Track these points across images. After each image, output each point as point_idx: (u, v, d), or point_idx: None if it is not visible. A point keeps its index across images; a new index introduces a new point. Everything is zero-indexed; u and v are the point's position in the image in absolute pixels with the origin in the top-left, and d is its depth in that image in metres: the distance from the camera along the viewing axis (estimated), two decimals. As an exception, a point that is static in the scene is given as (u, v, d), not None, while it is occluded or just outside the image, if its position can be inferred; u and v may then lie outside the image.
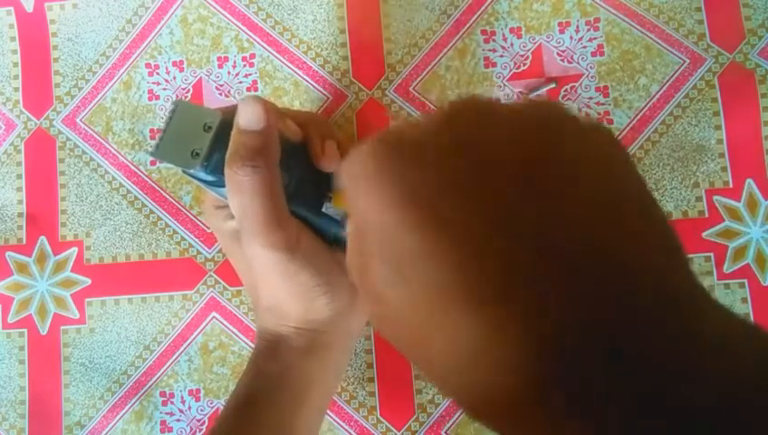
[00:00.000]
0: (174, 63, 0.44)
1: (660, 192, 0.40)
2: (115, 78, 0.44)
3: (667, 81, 0.41)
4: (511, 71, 0.42)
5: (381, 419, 0.41)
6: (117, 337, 0.43)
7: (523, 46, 0.42)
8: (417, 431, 0.41)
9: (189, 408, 0.43)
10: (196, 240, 0.43)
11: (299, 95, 0.43)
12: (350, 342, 0.38)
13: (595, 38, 0.41)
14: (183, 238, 0.43)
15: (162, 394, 0.43)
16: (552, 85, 0.41)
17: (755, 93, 0.40)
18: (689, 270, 0.17)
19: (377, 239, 0.18)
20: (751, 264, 0.40)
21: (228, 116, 0.31)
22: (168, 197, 0.44)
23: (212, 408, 0.43)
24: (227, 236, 0.36)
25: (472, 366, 0.16)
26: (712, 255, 0.40)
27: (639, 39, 0.41)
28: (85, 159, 0.44)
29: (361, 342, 0.42)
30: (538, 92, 0.41)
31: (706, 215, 0.40)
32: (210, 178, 0.31)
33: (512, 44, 0.42)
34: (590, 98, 0.41)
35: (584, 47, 0.41)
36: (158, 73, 0.44)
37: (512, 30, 0.42)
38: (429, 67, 0.42)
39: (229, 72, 0.44)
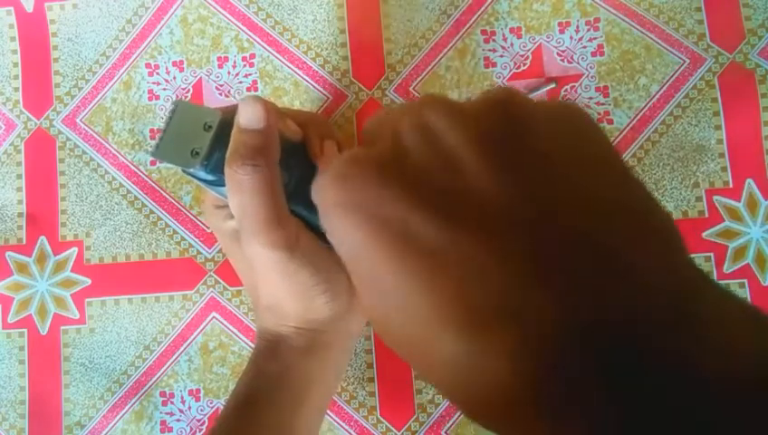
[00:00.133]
0: (174, 63, 0.44)
1: (660, 192, 0.40)
2: (115, 78, 0.44)
3: (667, 81, 0.41)
4: (511, 71, 0.42)
5: (381, 419, 0.41)
6: (117, 337, 0.43)
7: (523, 46, 0.42)
8: (417, 431, 0.41)
9: (189, 408, 0.43)
10: (196, 240, 0.43)
11: (299, 95, 0.43)
12: (350, 341, 0.38)
13: (595, 38, 0.41)
14: (183, 238, 0.43)
15: (162, 394, 0.43)
16: (552, 85, 0.41)
17: (755, 93, 0.40)
18: (690, 264, 0.17)
19: (357, 266, 0.18)
20: (751, 264, 0.40)
21: (228, 116, 0.31)
22: (168, 197, 0.44)
23: (212, 408, 0.43)
24: (227, 235, 0.36)
25: (469, 367, 0.16)
26: (712, 255, 0.40)
27: (639, 39, 0.41)
28: (85, 159, 0.44)
29: (361, 342, 0.42)
30: (538, 92, 0.41)
31: (706, 215, 0.40)
32: (210, 177, 0.31)
33: (512, 44, 0.42)
34: (590, 98, 0.41)
35: (584, 47, 0.41)
36: (158, 73, 0.44)
37: (512, 30, 0.42)
38: (429, 67, 0.42)
39: (229, 72, 0.44)
